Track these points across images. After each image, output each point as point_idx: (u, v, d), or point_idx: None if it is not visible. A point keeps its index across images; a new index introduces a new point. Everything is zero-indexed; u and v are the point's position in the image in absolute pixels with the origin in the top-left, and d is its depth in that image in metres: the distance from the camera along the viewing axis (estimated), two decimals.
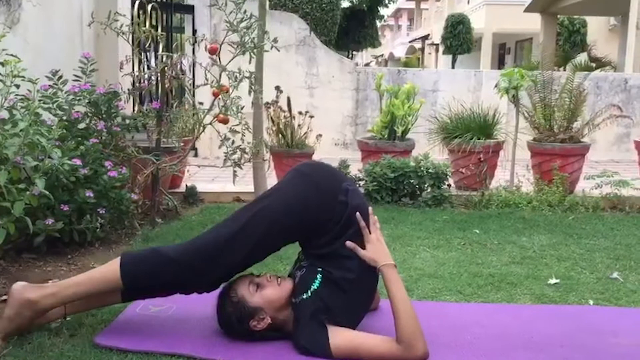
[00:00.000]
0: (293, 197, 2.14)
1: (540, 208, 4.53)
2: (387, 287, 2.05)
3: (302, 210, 2.11)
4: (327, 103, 7.58)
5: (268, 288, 2.10)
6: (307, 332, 2.02)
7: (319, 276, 2.09)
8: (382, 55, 42.75)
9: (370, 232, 2.11)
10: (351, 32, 20.66)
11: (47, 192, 2.48)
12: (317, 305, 2.03)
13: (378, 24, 23.94)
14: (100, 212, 3.31)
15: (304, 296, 2.06)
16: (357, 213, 2.11)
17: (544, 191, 4.74)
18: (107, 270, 2.15)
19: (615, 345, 2.21)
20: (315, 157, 5.19)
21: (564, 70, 13.04)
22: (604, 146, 7.59)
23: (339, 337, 1.99)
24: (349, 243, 2.08)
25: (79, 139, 3.42)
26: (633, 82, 7.91)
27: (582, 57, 15.28)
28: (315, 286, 2.07)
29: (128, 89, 3.98)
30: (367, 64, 33.18)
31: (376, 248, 2.09)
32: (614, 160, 7.46)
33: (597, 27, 18.19)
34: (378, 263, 2.06)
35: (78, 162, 3.08)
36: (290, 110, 5.13)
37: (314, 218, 2.11)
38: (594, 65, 14.40)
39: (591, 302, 2.72)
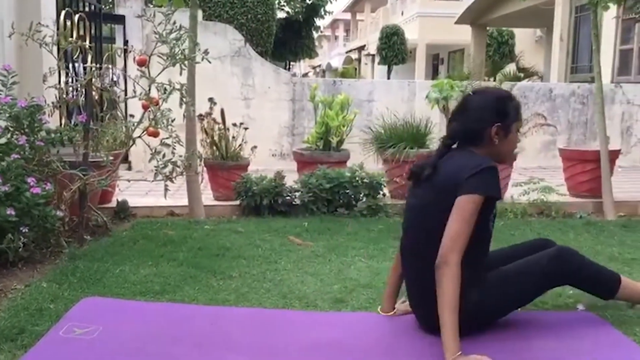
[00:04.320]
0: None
1: None
2: None
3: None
4: (264, 114, 7.55)
5: None
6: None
7: None
8: (319, 65, 43.08)
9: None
10: (288, 42, 20.77)
11: None
12: None
13: (315, 34, 24.15)
14: (23, 230, 3.17)
15: None
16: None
17: None
18: None
19: (540, 349, 2.27)
20: (251, 169, 5.16)
21: (494, 79, 13.51)
22: (531, 153, 7.86)
23: None
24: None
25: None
26: (557, 91, 8.25)
27: (511, 67, 15.88)
28: None
29: (52, 102, 3.83)
30: (305, 75, 33.38)
31: None
32: (542, 166, 7.74)
33: (524, 38, 18.94)
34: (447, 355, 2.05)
35: None
36: (224, 122, 5.08)
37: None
38: (522, 75, 15.00)
39: None
